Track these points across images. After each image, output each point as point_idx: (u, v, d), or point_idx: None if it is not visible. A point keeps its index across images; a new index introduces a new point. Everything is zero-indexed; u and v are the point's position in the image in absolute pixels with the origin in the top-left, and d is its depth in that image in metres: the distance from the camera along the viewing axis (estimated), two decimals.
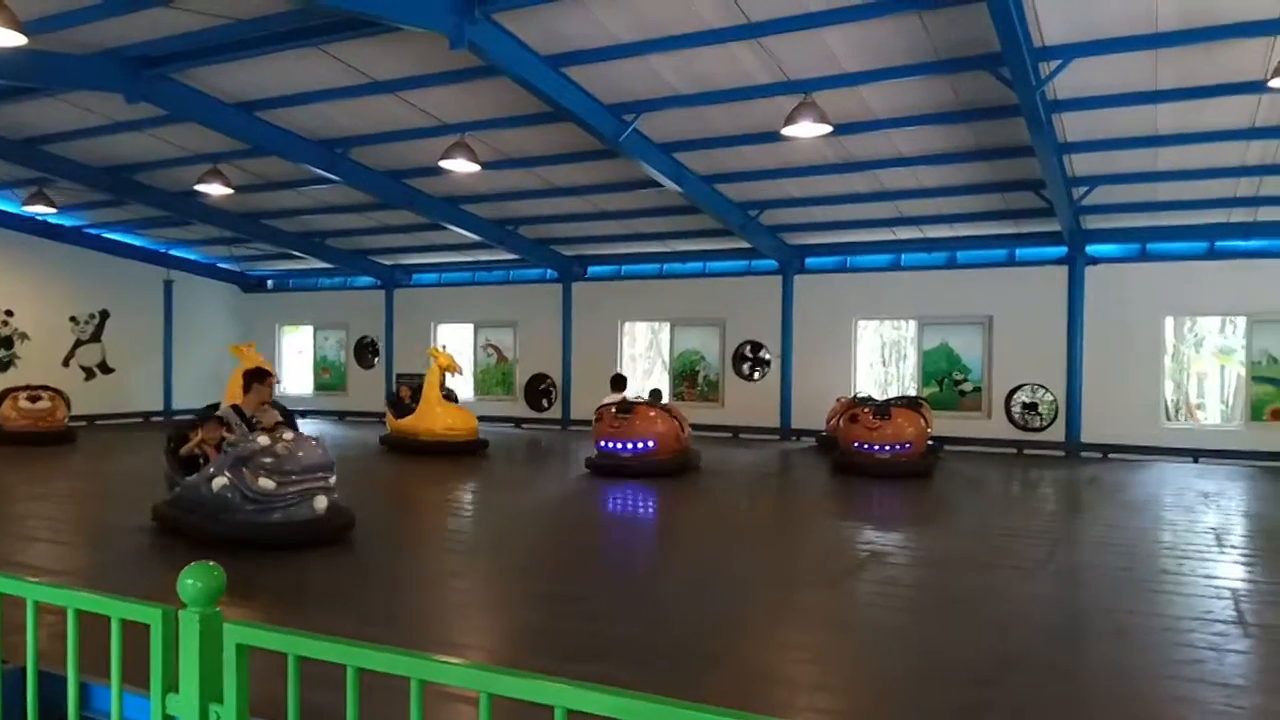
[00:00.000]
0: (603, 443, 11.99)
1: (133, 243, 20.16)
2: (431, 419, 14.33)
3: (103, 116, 12.80)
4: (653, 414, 11.95)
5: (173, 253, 20.98)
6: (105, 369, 20.01)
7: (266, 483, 7.05)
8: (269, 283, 23.20)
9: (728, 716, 1.82)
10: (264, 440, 7.25)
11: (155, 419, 20.62)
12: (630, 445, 11.71)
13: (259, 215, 17.85)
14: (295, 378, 23.02)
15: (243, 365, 11.09)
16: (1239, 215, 13.68)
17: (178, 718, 2.62)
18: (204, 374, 22.03)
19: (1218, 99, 9.89)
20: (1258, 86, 9.27)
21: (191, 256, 21.49)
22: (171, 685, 2.62)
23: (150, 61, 10.84)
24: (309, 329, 22.75)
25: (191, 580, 2.56)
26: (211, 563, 2.64)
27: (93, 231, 19.44)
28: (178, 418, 8.34)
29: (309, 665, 2.40)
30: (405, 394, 15.29)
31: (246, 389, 8.11)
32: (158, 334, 21.06)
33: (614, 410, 12.04)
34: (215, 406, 8.60)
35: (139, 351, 20.58)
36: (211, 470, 7.24)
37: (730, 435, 17.12)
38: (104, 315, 19.98)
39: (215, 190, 14.40)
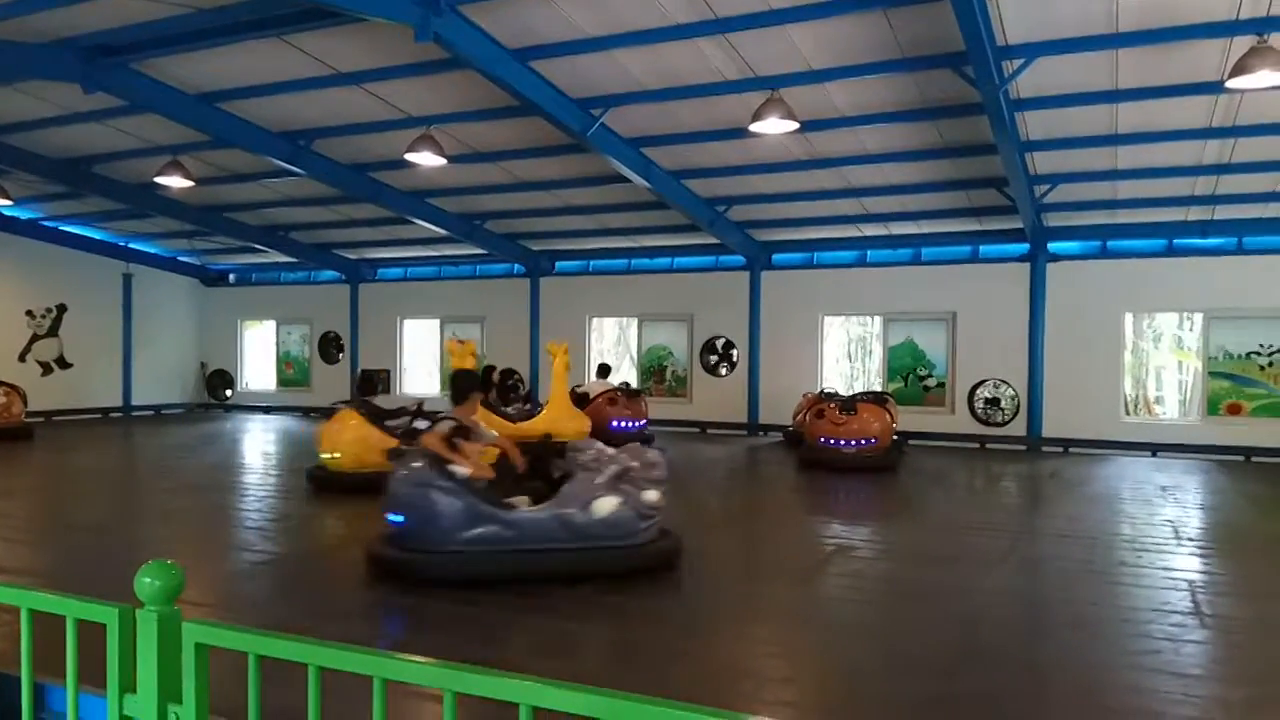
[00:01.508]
0: (615, 422, 14.11)
1: (91, 236, 19.78)
2: (565, 421, 12.47)
3: (59, 107, 12.54)
4: (645, 399, 15.40)
5: (132, 246, 20.61)
6: (63, 364, 19.64)
7: (652, 494, 6.29)
8: (231, 276, 22.89)
9: (693, 712, 1.82)
10: (624, 450, 6.46)
11: (114, 415, 20.30)
12: (634, 424, 14.36)
13: (220, 208, 17.59)
14: (257, 373, 22.77)
15: (458, 364, 10.29)
16: (1196, 213, 13.93)
17: (136, 718, 2.58)
18: (164, 369, 21.73)
19: (1176, 99, 10.05)
20: (1214, 87, 9.43)
21: (151, 250, 21.13)
22: (129, 686, 2.58)
23: (108, 50, 10.61)
24: (272, 324, 22.47)
25: (149, 579, 2.51)
26: (170, 560, 2.59)
27: (50, 224, 19.06)
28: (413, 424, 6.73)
29: (271, 664, 2.37)
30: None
31: (463, 396, 6.67)
32: (117, 328, 20.70)
33: (622, 395, 14.74)
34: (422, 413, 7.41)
35: (98, 346, 20.22)
36: (582, 493, 6.14)
37: (698, 430, 17.17)
38: (61, 309, 19.60)
39: (175, 182, 14.16)
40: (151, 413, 21.07)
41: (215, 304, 22.73)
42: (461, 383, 6.72)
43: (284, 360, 22.26)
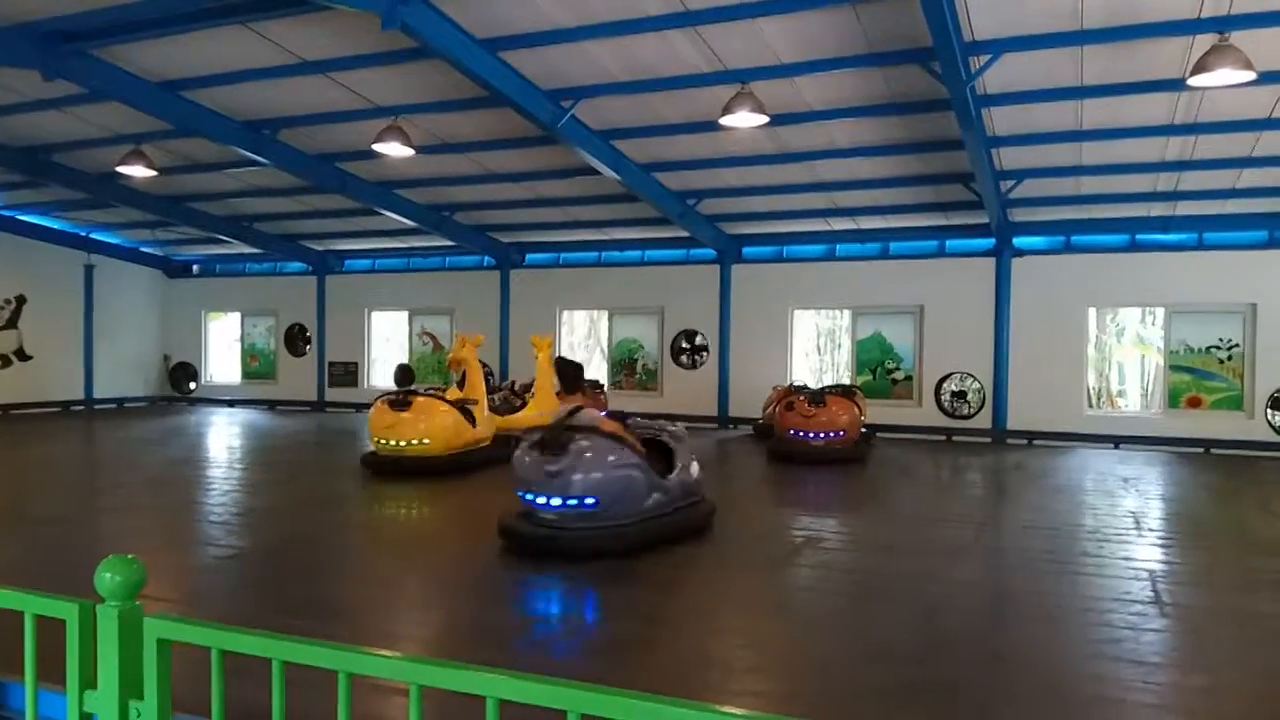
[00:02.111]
0: None
1: (51, 226, 19.40)
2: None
3: (17, 94, 12.26)
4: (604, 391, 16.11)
5: (93, 236, 20.24)
6: (22, 356, 19.26)
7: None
8: (194, 268, 22.55)
9: (659, 702, 1.83)
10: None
11: (75, 408, 19.96)
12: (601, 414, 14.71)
13: (184, 198, 17.33)
14: (222, 365, 22.49)
15: (464, 355, 11.20)
16: (1158, 209, 14.13)
17: (96, 715, 2.55)
18: (127, 362, 21.39)
19: (1139, 96, 10.18)
20: (1176, 84, 9.56)
21: (113, 240, 20.77)
22: (89, 682, 2.55)
23: (68, 36, 10.40)
24: (236, 315, 22.18)
25: (110, 574, 2.48)
26: (131, 555, 2.56)
27: (8, 214, 18.66)
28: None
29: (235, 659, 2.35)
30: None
31: (576, 385, 7.66)
32: (78, 320, 20.32)
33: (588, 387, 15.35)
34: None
35: (58, 338, 19.83)
36: (676, 465, 7.23)
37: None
38: (21, 300, 19.21)
39: (138, 172, 13.93)
40: (114, 406, 20.74)
41: (179, 295, 22.39)
42: (573, 372, 7.59)
43: (249, 353, 21.99)
